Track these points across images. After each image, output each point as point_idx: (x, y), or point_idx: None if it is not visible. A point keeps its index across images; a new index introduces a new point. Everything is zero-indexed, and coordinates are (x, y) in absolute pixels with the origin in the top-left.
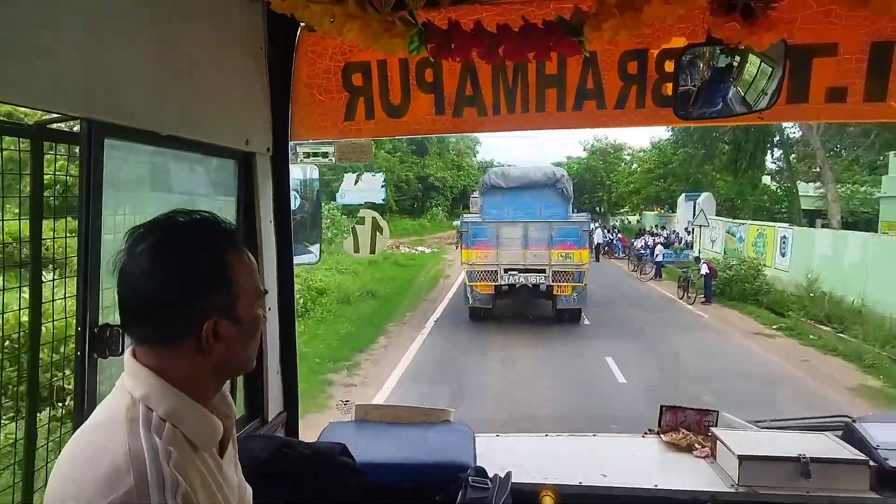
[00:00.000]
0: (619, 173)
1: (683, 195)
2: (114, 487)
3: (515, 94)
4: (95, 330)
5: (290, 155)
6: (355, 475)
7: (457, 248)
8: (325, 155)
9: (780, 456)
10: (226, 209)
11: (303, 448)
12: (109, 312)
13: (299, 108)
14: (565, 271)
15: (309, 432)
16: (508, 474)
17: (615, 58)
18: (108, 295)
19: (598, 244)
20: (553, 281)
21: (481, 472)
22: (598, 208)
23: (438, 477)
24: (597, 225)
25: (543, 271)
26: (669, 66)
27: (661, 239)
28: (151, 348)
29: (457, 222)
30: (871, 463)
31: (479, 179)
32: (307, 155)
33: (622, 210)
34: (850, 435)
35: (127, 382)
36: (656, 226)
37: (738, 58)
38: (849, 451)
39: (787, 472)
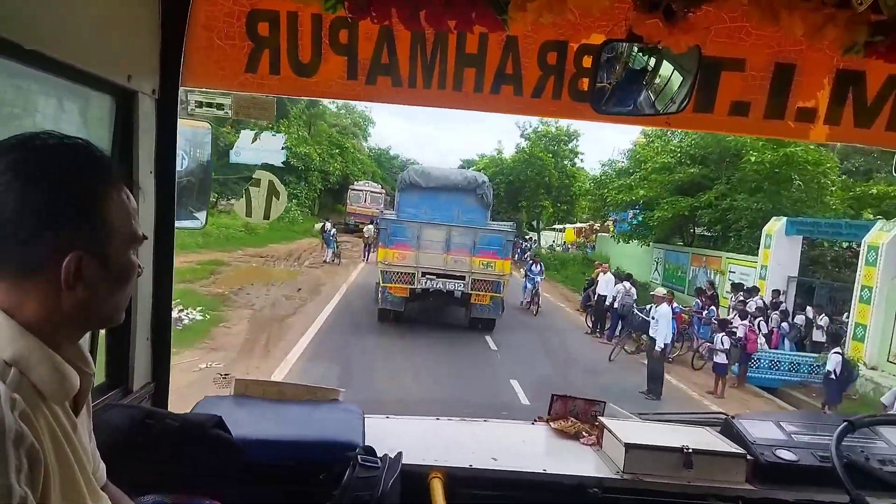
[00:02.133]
0: (576, 175)
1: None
2: None
3: (433, 69)
4: None
5: (179, 103)
6: (231, 451)
7: (363, 256)
8: (220, 107)
9: (664, 446)
10: None
11: (170, 419)
12: None
13: (194, 50)
14: (485, 280)
15: (180, 406)
16: (399, 455)
17: (536, 46)
18: None
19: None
20: (472, 289)
21: (371, 451)
22: (530, 220)
23: (324, 456)
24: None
25: (463, 278)
26: (587, 62)
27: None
28: (2, 280)
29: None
30: (748, 457)
31: (366, 171)
32: (199, 104)
33: (560, 223)
34: (729, 430)
35: None
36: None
37: (653, 60)
38: (728, 445)
39: (671, 461)
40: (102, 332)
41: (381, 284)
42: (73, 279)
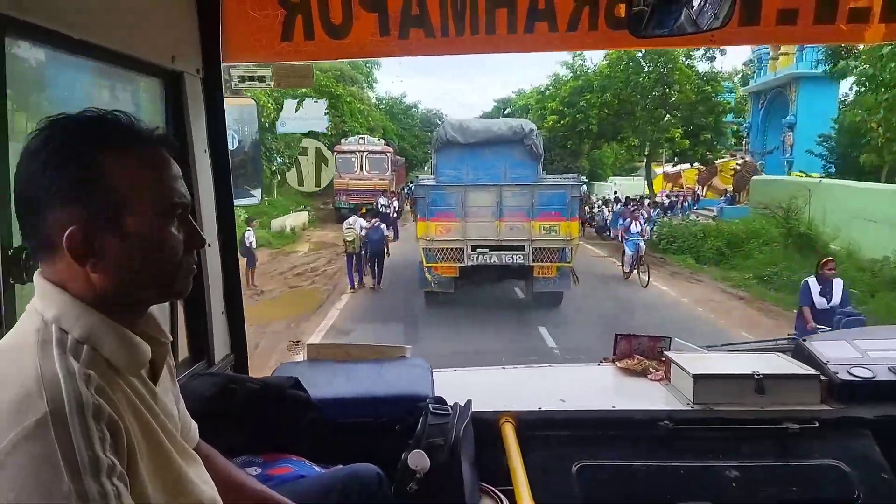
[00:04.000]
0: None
1: None
2: (25, 414)
3: (464, 15)
4: (9, 252)
5: (223, 79)
6: (308, 409)
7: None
8: (261, 79)
9: (733, 374)
10: None
11: (251, 383)
12: None
13: (231, 26)
14: (549, 248)
15: (260, 374)
16: (468, 402)
17: None
18: None
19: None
20: (534, 260)
21: (441, 400)
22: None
23: (397, 409)
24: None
25: (522, 248)
26: None
27: None
28: (45, 262)
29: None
30: (822, 377)
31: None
32: (242, 79)
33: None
34: (801, 353)
35: (37, 303)
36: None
37: None
38: (800, 367)
39: (741, 388)
40: (181, 310)
41: (425, 264)
42: (84, 253)
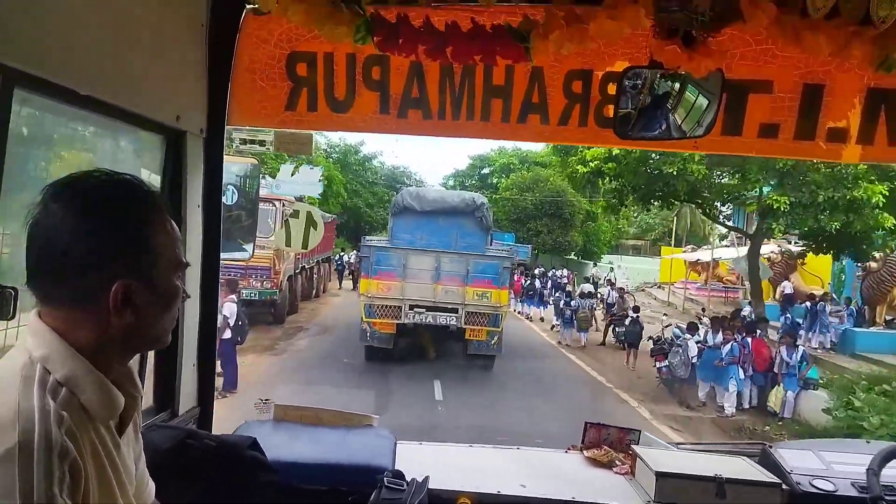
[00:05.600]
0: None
1: None
2: None
3: (462, 101)
4: None
5: (225, 140)
6: (265, 471)
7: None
8: (262, 143)
9: (696, 475)
10: None
11: (209, 440)
12: None
13: (239, 91)
14: (481, 312)
15: (224, 430)
16: (426, 479)
17: (561, 75)
18: None
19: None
20: (466, 323)
21: (399, 475)
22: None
23: (355, 479)
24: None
25: (456, 311)
26: (612, 89)
27: None
28: (58, 309)
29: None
30: (784, 486)
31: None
32: (244, 142)
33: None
34: (766, 459)
35: (28, 341)
36: None
37: (677, 85)
38: (763, 475)
39: (703, 490)
40: (152, 357)
41: (365, 319)
42: (123, 305)
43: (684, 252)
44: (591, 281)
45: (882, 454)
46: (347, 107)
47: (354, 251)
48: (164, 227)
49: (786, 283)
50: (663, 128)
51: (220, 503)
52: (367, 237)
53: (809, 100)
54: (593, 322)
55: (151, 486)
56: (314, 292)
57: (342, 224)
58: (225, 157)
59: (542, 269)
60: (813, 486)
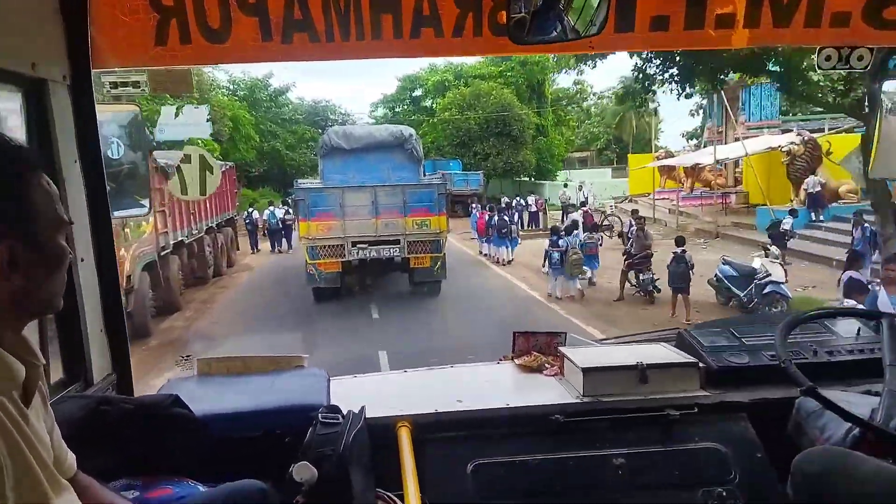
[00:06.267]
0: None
1: None
2: None
3: (349, 20)
4: None
5: (94, 86)
6: (191, 427)
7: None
8: (136, 84)
9: (619, 365)
10: None
11: (126, 403)
12: None
13: (100, 30)
14: (422, 241)
15: (146, 393)
16: (362, 409)
17: None
18: None
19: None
20: (409, 252)
21: (334, 409)
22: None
23: (289, 421)
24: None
25: (398, 242)
26: None
27: None
28: None
29: None
30: (701, 365)
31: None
32: (114, 85)
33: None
34: (682, 342)
35: None
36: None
37: None
38: (681, 356)
39: (627, 379)
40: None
41: (309, 262)
42: (9, 268)
43: (657, 157)
44: (563, 204)
45: (787, 322)
46: (224, 36)
47: (282, 202)
48: (41, 184)
49: (811, 178)
50: (558, 30)
51: (146, 465)
52: (300, 181)
53: None
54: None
55: (71, 457)
56: (211, 271)
57: (264, 173)
58: (100, 105)
59: (506, 199)
60: (727, 360)
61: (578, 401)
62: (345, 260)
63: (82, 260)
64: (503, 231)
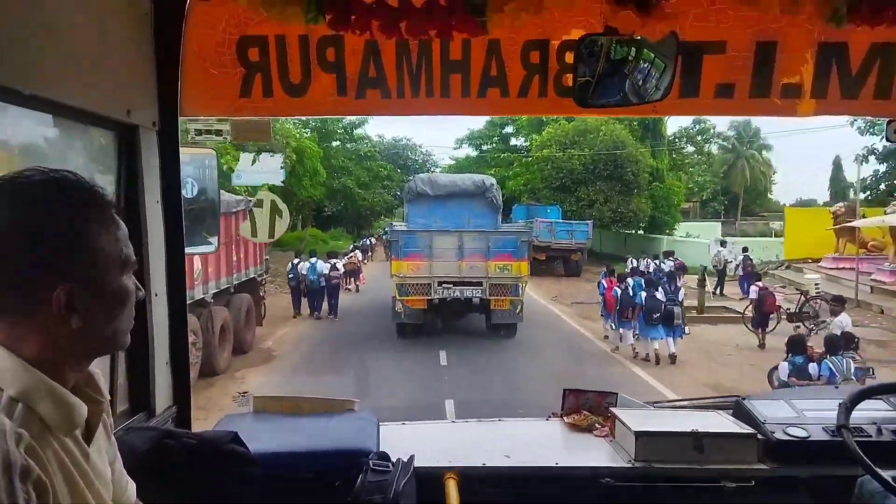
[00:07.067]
0: None
1: None
2: None
3: (420, 78)
4: None
5: (180, 132)
6: (248, 465)
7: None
8: (219, 133)
9: (674, 431)
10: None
11: (188, 438)
12: None
13: (190, 81)
14: (503, 284)
15: (203, 427)
16: (411, 458)
17: (518, 46)
18: None
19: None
20: (490, 294)
21: (384, 456)
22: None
23: (340, 464)
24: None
25: (480, 284)
26: (569, 58)
27: None
28: (2, 320)
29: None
30: (759, 436)
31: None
32: (199, 132)
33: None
34: (740, 412)
35: None
36: None
37: (633, 50)
38: (738, 426)
39: (681, 446)
40: (123, 359)
41: (398, 298)
42: (66, 311)
43: (836, 214)
44: (717, 269)
45: (853, 395)
46: (304, 90)
47: (353, 242)
48: (106, 225)
49: None
50: (622, 94)
51: (205, 501)
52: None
53: (763, 57)
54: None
55: (131, 487)
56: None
57: (337, 213)
58: (181, 149)
59: (633, 260)
60: (787, 433)
61: (629, 465)
62: (430, 298)
63: (156, 295)
64: (656, 314)
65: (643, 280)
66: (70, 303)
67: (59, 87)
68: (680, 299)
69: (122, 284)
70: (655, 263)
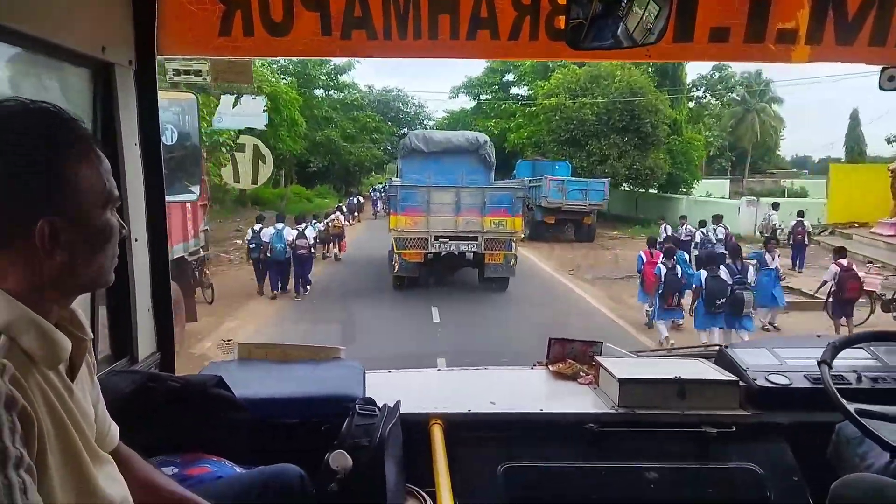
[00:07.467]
0: None
1: None
2: None
3: (407, 19)
4: None
5: (157, 72)
6: (231, 409)
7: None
8: (197, 73)
9: (657, 378)
10: None
11: (172, 381)
12: None
13: (167, 17)
14: (497, 239)
15: (187, 373)
16: (397, 403)
17: None
18: None
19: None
20: (485, 249)
21: (370, 401)
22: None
23: (326, 410)
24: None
25: (475, 239)
26: None
27: None
28: None
29: None
30: (741, 383)
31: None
32: (177, 72)
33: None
34: (723, 359)
35: None
36: None
37: None
38: (721, 374)
39: (665, 392)
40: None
41: (395, 251)
42: (50, 244)
43: None
44: (766, 237)
45: (832, 346)
46: (286, 29)
47: (339, 202)
48: (89, 158)
49: None
50: (615, 37)
51: (190, 445)
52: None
53: (759, 1)
54: None
55: (114, 429)
56: None
57: (323, 168)
58: (160, 91)
59: (667, 226)
60: (768, 380)
61: (613, 411)
62: (426, 252)
63: (136, 239)
64: (720, 300)
65: (688, 255)
66: (54, 236)
67: (31, 19)
68: (749, 280)
69: (107, 219)
70: (702, 232)
